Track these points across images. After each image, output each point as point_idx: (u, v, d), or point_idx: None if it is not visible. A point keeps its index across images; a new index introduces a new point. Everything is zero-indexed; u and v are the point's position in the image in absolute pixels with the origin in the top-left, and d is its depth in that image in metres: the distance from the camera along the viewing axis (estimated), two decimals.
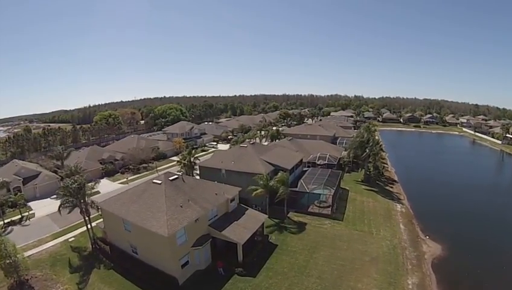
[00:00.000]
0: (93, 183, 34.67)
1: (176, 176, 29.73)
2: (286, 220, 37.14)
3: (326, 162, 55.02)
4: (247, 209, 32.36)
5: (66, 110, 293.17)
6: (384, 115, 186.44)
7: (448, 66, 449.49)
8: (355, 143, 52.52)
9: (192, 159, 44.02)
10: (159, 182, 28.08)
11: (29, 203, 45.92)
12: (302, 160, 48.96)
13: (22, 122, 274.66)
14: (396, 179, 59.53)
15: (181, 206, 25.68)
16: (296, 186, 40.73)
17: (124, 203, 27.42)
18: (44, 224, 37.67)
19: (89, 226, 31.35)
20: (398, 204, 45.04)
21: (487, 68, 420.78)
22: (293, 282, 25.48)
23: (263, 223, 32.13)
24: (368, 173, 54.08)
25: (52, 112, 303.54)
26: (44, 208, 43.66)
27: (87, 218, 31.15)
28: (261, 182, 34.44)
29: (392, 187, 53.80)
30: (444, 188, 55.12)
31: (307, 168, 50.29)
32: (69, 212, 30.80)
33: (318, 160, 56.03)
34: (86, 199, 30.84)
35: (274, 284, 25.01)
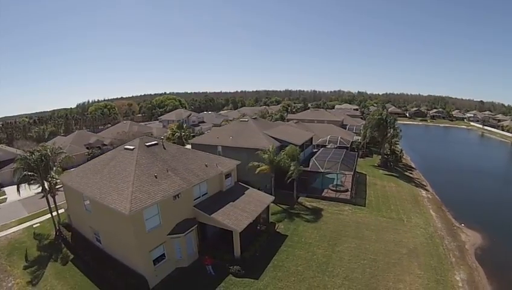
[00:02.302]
0: (62, 156, 28.34)
1: (155, 142, 22.89)
2: (296, 206, 30.86)
3: (338, 145, 48.57)
4: (248, 188, 25.90)
5: (66, 108, 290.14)
6: (389, 110, 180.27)
7: (450, 65, 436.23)
8: (372, 122, 45.86)
9: (183, 134, 37.32)
10: (132, 147, 21.25)
11: (5, 188, 42.00)
12: (312, 139, 42.43)
13: (21, 120, 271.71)
14: (413, 165, 54.49)
15: (155, 177, 19.00)
16: (308, 167, 34.34)
17: (86, 175, 20.90)
18: (14, 209, 33.38)
19: (53, 208, 25.78)
20: (422, 190, 39.60)
21: (490, 67, 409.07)
22: (312, 285, 18.65)
23: (268, 207, 25.69)
24: (385, 157, 47.92)
25: (53, 110, 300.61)
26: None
27: (51, 198, 25.69)
28: (266, 156, 28.10)
29: (411, 173, 48.63)
30: (464, 176, 50.56)
31: (316, 150, 43.87)
32: (42, 197, 25.65)
33: (328, 143, 49.58)
34: (53, 174, 25.16)
35: (285, 289, 18.29)
